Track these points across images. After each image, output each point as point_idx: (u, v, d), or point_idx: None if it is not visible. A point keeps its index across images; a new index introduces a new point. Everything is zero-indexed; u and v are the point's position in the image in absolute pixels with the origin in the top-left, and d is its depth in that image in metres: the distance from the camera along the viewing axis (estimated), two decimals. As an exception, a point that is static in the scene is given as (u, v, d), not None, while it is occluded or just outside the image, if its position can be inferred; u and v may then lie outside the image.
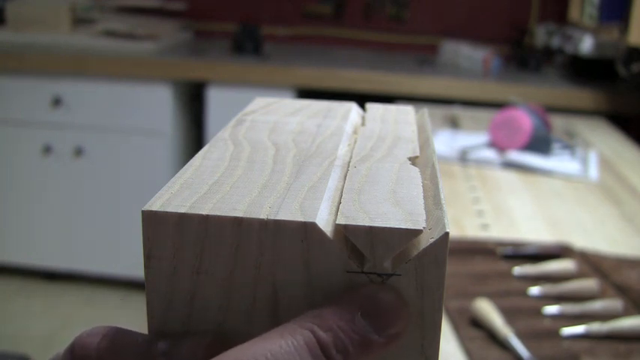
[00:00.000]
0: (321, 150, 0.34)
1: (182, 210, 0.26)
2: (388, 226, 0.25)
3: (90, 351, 0.26)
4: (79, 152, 2.21)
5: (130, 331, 0.27)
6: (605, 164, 1.48)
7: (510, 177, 1.35)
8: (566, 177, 1.37)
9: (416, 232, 0.25)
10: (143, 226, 0.26)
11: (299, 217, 0.25)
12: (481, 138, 1.53)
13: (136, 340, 0.27)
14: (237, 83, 2.14)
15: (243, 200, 0.27)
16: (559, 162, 1.44)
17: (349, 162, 0.33)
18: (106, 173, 2.24)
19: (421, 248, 0.26)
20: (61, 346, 0.29)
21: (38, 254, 2.33)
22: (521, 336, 0.75)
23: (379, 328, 0.25)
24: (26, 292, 2.36)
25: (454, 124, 1.72)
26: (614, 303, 0.83)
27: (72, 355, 0.27)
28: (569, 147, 1.52)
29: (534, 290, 0.87)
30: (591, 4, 1.99)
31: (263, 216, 0.26)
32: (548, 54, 2.41)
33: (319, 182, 0.29)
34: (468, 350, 0.74)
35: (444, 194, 0.30)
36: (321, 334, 0.24)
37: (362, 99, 0.59)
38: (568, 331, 0.78)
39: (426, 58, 2.46)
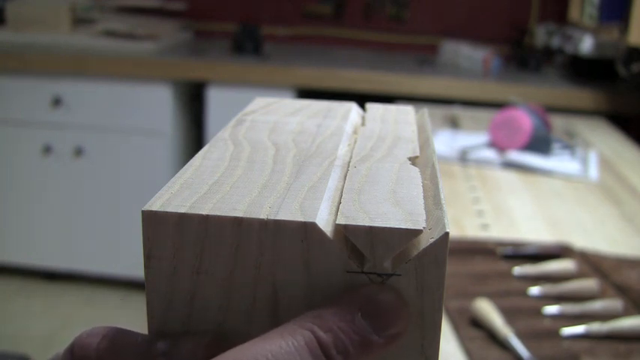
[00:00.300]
0: (321, 150, 0.34)
1: (182, 210, 0.26)
2: (388, 226, 0.25)
3: (89, 351, 0.26)
4: (79, 152, 2.21)
5: (130, 331, 0.27)
6: (605, 164, 1.48)
7: (510, 177, 1.35)
8: (566, 177, 1.37)
9: (416, 232, 0.25)
10: (143, 226, 0.26)
11: (299, 217, 0.25)
12: (481, 138, 1.53)
13: (136, 340, 0.27)
14: (237, 83, 2.14)
15: (243, 200, 0.27)
16: (559, 162, 1.44)
17: (349, 162, 0.33)
18: (106, 173, 2.24)
19: (421, 248, 0.26)
20: (61, 346, 0.29)
21: (38, 254, 2.33)
22: (521, 336, 0.75)
23: (379, 329, 0.25)
24: (26, 292, 2.36)
25: (454, 124, 1.72)
26: (614, 303, 0.83)
27: (72, 356, 0.27)
28: (569, 147, 1.52)
29: (534, 290, 0.87)
30: (591, 4, 1.99)
31: (263, 216, 0.25)
32: (548, 54, 2.41)
33: (319, 182, 0.29)
34: (468, 350, 0.74)
35: (444, 194, 0.30)
36: (322, 334, 0.24)
37: (362, 99, 0.59)
38: (568, 331, 0.78)
39: (426, 58, 2.46)
